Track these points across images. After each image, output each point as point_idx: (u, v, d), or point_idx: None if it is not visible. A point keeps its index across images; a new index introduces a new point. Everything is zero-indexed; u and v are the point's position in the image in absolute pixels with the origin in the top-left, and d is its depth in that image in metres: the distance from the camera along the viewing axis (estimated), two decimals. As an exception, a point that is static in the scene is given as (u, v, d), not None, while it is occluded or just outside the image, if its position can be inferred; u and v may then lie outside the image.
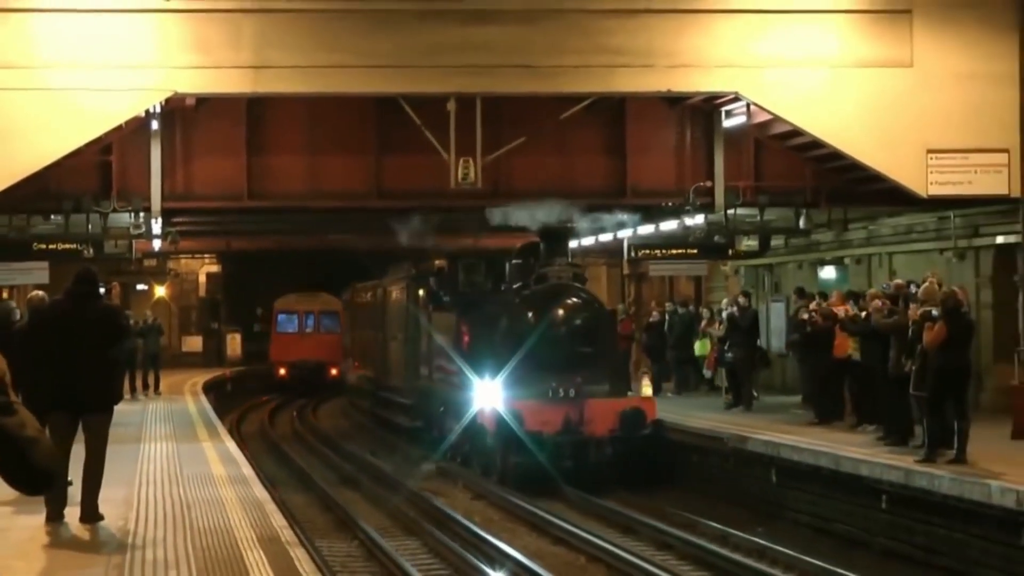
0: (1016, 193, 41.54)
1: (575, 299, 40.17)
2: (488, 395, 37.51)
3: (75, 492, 21.28)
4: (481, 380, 38.76)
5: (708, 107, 46.00)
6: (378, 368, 61.70)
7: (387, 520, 32.97)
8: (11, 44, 40.48)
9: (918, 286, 35.32)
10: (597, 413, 37.98)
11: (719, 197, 44.33)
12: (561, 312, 39.74)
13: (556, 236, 41.70)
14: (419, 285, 52.19)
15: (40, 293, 30.34)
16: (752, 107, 44.10)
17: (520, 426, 36.27)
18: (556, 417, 37.21)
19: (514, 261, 46.06)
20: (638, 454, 39.45)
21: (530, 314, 39.17)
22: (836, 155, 42.99)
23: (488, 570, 26.92)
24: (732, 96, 44.09)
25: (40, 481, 7.97)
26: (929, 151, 41.32)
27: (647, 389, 40.21)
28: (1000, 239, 44.29)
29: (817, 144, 43.18)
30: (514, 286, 46.11)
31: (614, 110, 46.27)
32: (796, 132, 43.79)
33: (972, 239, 46.39)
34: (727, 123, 46.69)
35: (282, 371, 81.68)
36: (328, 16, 41.49)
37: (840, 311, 39.29)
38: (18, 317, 30.34)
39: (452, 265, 48.36)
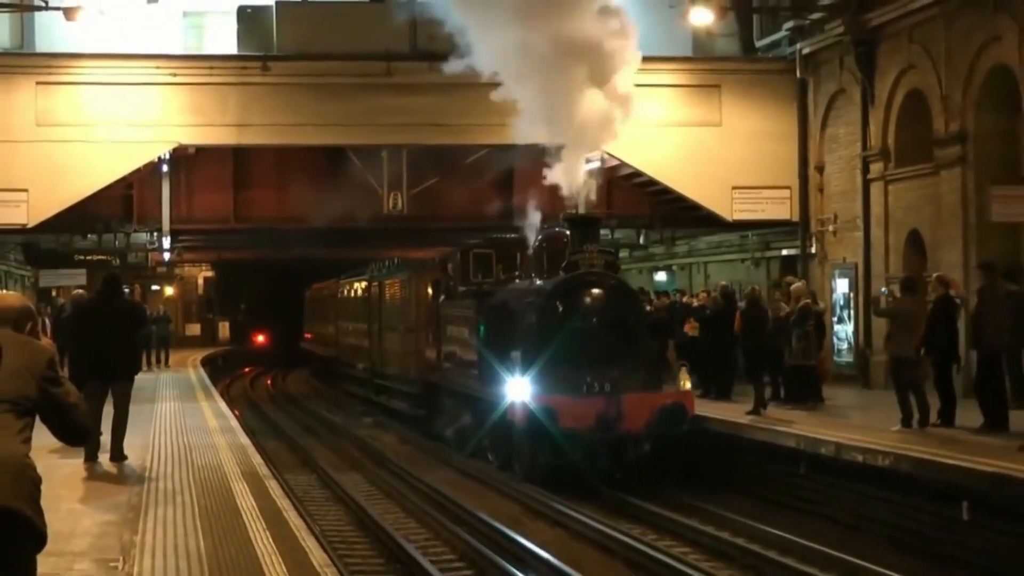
0: (796, 218, 41.95)
1: (609, 288, 28.77)
2: (518, 390, 27.09)
3: (105, 440, 21.15)
4: (506, 373, 28.12)
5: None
6: (374, 358, 47.33)
7: (337, 459, 32.78)
8: (64, 108, 40.75)
9: (731, 288, 35.56)
10: (634, 408, 27.01)
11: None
12: (594, 302, 28.40)
13: (586, 222, 30.16)
14: (425, 277, 38.57)
15: (80, 292, 30.29)
16: (606, 155, 44.07)
17: (553, 423, 26.13)
18: (590, 413, 26.52)
19: (529, 252, 33.15)
20: (677, 451, 28.41)
21: (560, 304, 28.16)
22: (666, 190, 42.88)
23: (408, 493, 26.51)
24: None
25: (79, 435, 8.18)
26: (733, 187, 41.48)
27: (685, 383, 28.94)
28: (784, 252, 44.46)
29: (653, 182, 43.14)
30: (540, 275, 32.09)
31: (505, 157, 46.15)
32: (638, 173, 43.67)
33: (764, 252, 46.42)
34: (587, 166, 46.52)
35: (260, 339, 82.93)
36: (292, 88, 41.95)
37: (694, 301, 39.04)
38: (65, 310, 30.19)
39: (464, 256, 35.02)
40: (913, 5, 34.76)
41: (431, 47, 41.49)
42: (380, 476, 29.50)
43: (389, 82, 41.66)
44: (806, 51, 42.36)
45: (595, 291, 28.35)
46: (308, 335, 69.73)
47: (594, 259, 28.66)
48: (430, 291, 36.42)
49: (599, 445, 26.72)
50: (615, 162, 43.98)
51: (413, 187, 46.31)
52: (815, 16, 40.94)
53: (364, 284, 49.36)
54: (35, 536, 7.48)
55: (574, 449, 26.22)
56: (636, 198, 45.51)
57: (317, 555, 14.21)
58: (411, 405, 39.97)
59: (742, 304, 32.63)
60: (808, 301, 31.40)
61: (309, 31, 42.45)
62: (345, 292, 54.79)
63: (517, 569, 18.56)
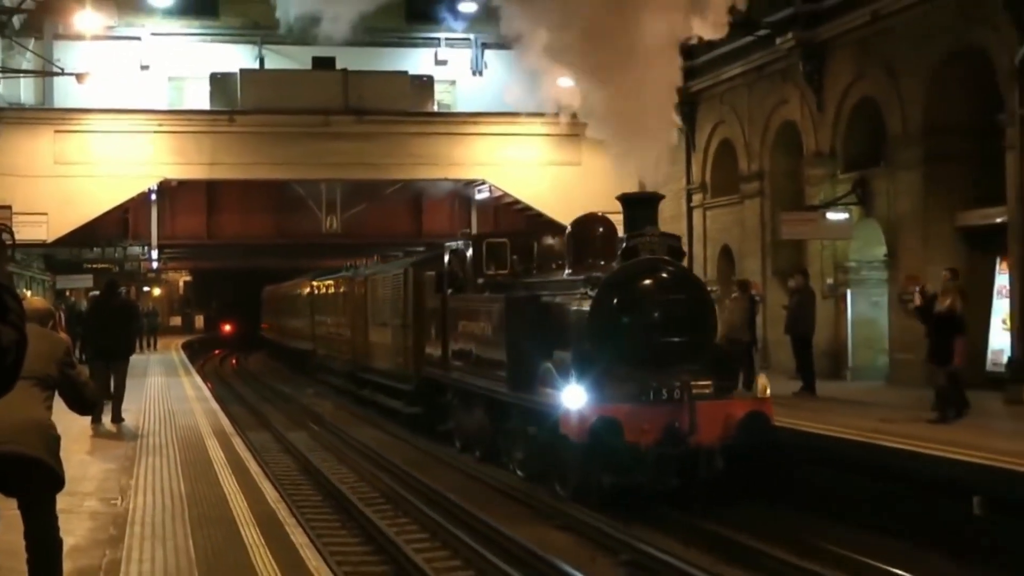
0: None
1: (674, 277, 19.54)
2: (573, 398, 18.10)
3: (107, 407, 21.16)
4: (551, 377, 18.94)
5: (469, 187, 45.97)
6: (357, 352, 37.18)
7: (288, 420, 32.63)
8: (75, 151, 40.90)
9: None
10: (708, 418, 18.20)
11: (474, 238, 44.27)
12: (658, 293, 19.19)
13: (645, 201, 20.32)
14: (424, 270, 28.57)
15: (95, 293, 30.28)
16: (493, 187, 44.26)
17: (619, 437, 17.65)
18: (657, 424, 18.06)
19: (546, 242, 24.27)
20: (757, 467, 18.83)
21: (617, 297, 19.05)
22: (540, 214, 42.94)
23: (341, 447, 26.37)
24: (482, 181, 44.29)
25: (89, 407, 8.88)
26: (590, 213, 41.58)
27: (765, 388, 19.54)
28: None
29: (529, 208, 43.29)
30: (576, 264, 21.86)
31: (416, 188, 46.28)
32: (518, 202, 43.86)
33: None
34: (479, 196, 46.63)
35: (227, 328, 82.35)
36: (252, 135, 42.27)
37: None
38: (77, 308, 30.22)
39: (477, 246, 24.97)
40: (723, 76, 35.33)
41: (358, 104, 42.11)
42: (320, 433, 29.39)
43: (327, 131, 41.95)
44: (645, 109, 42.75)
45: (659, 281, 18.92)
46: (264, 325, 69.27)
47: (656, 243, 19.15)
48: (432, 284, 26.55)
49: (668, 461, 17.78)
50: (500, 193, 44.26)
51: (345, 211, 46.69)
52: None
53: (345, 281, 40.40)
54: (56, 480, 7.83)
55: (640, 467, 17.55)
56: (517, 221, 45.67)
57: (271, 493, 14.32)
58: (405, 403, 29.70)
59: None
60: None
61: (265, 92, 42.64)
62: (324, 289, 45.52)
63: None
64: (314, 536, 14.18)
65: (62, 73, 39.47)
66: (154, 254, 46.70)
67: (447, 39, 47.32)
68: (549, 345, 19.33)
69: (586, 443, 17.25)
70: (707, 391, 18.16)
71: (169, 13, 45.66)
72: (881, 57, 28.14)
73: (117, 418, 21.18)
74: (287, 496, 17.41)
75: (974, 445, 15.90)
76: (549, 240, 23.88)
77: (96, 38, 40.61)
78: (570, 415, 17.48)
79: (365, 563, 14.71)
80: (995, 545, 14.35)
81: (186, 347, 55.12)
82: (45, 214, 39.95)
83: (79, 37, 40.08)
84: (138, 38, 44.94)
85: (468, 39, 47.34)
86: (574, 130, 43.95)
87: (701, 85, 36.68)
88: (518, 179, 43.32)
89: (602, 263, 20.02)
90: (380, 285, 33.64)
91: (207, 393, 29.53)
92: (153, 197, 43.71)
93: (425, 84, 44.84)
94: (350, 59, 44.61)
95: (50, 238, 40.75)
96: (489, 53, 47.65)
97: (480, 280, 23.78)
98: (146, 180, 41.81)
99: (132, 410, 22.54)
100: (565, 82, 42.42)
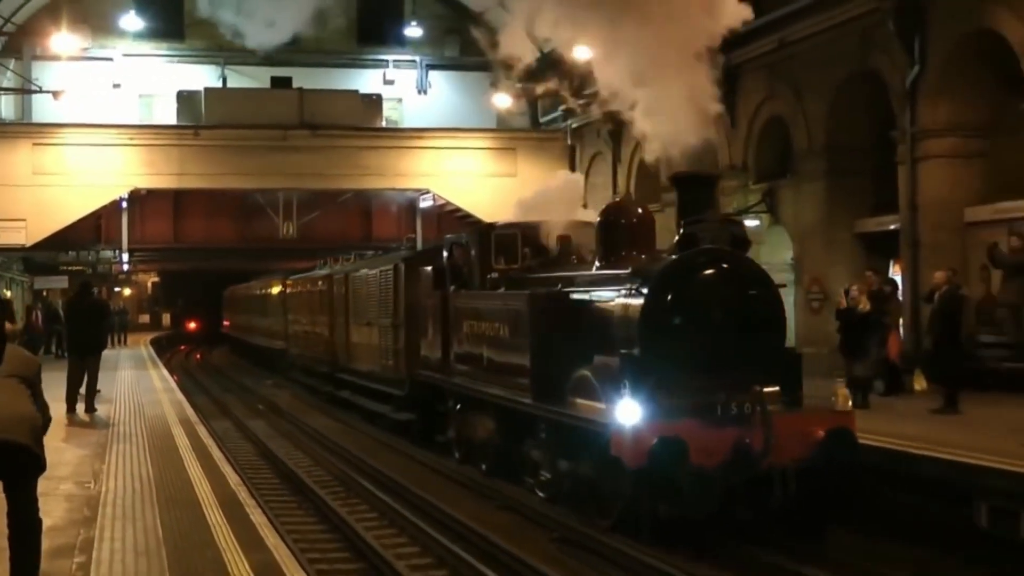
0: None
1: (741, 271, 14.75)
2: (627, 413, 13.36)
3: (81, 397, 20.99)
4: (596, 388, 14.77)
5: (414, 195, 45.84)
6: (337, 352, 32.21)
7: (247, 409, 32.49)
8: (52, 162, 40.40)
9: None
10: (784, 435, 13.50)
11: (419, 244, 44.16)
12: (723, 290, 14.46)
13: (702, 182, 15.75)
14: (417, 265, 23.83)
15: (71, 293, 30.05)
16: (436, 196, 44.21)
17: (684, 462, 13.07)
18: (725, 444, 13.45)
19: (561, 233, 19.17)
20: (838, 491, 13.88)
21: (672, 294, 14.36)
22: (479, 221, 42.86)
23: (297, 434, 26.17)
24: (426, 190, 44.21)
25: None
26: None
27: (846, 399, 14.48)
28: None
29: (470, 215, 43.12)
30: (610, 256, 16.88)
31: (366, 197, 46.16)
32: (459, 209, 43.79)
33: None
34: (423, 204, 46.48)
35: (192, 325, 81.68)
36: (215, 148, 42.01)
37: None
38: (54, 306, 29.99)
39: (485, 238, 20.04)
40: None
41: (313, 120, 42.14)
42: (278, 422, 29.26)
43: (284, 144, 41.82)
44: (574, 126, 42.82)
45: (723, 275, 14.55)
46: (227, 323, 68.82)
47: (718, 231, 14.70)
48: (429, 281, 21.60)
49: (737, 487, 13.44)
50: (443, 201, 44.19)
51: (301, 218, 46.44)
52: (581, 103, 41.37)
53: (323, 279, 35.19)
54: (38, 465, 8.08)
55: (704, 495, 13.21)
56: (459, 227, 45.67)
57: (232, 477, 14.22)
58: (394, 407, 25.06)
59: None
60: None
61: (228, 108, 42.61)
62: (300, 287, 40.62)
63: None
64: (272, 516, 14.08)
65: (40, 91, 39.23)
66: (124, 257, 46.27)
67: (395, 60, 48.14)
68: (585, 349, 15.23)
69: (643, 467, 13.01)
70: (778, 404, 14.05)
71: (139, 36, 45.82)
72: (788, 79, 28.35)
73: (90, 408, 21.01)
74: (247, 479, 17.29)
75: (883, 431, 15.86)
76: (563, 231, 18.97)
77: (72, 59, 40.24)
78: (624, 434, 13.17)
79: (320, 540, 14.62)
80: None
81: (154, 343, 54.70)
82: (24, 220, 39.69)
83: (56, 58, 39.71)
84: (111, 59, 45.14)
85: (414, 61, 48.14)
86: (511, 144, 44.45)
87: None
88: (459, 189, 43.42)
89: (637, 255, 15.76)
90: (364, 283, 28.79)
91: (173, 385, 29.33)
92: (124, 204, 43.25)
93: (374, 102, 45.29)
94: (305, 79, 45.39)
95: (28, 243, 40.39)
96: (433, 73, 48.22)
97: (492, 275, 19.19)
98: (118, 189, 41.47)
99: (104, 400, 22.38)
100: (503, 99, 42.73)
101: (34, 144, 40.47)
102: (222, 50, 46.07)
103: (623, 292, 14.91)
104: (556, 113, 44.33)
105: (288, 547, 10.65)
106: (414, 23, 47.80)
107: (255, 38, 43.76)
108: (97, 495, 12.70)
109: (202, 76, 46.07)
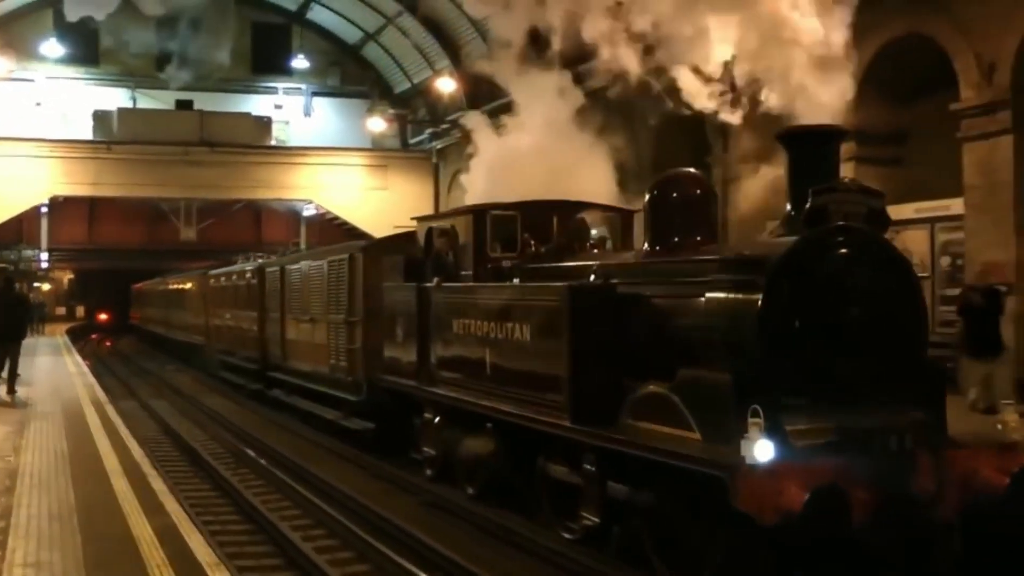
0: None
1: (883, 260, 8.47)
2: (757, 450, 7.29)
3: (2, 380, 20.55)
4: (673, 408, 8.76)
5: (299, 205, 45.60)
6: (269, 349, 25.59)
7: (152, 391, 31.92)
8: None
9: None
10: (954, 477, 7.48)
11: (302, 249, 43.93)
12: (871, 283, 8.25)
13: (823, 139, 8.76)
14: (386, 254, 16.92)
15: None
16: (318, 206, 44.06)
17: (846, 519, 7.20)
18: (879, 491, 7.41)
19: (570, 215, 14.04)
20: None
21: (800, 288, 8.34)
22: (355, 229, 42.75)
23: (196, 412, 25.67)
24: (309, 201, 44.07)
25: None
26: (395, 226, 40.94)
27: (1016, 426, 7.85)
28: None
29: (347, 224, 43.12)
30: (661, 240, 11.20)
31: (257, 206, 45.87)
32: (338, 218, 43.70)
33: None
34: (306, 213, 46.21)
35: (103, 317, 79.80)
36: (126, 162, 41.81)
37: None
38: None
39: (479, 220, 13.93)
40: (500, 122, 35.55)
41: (211, 138, 41.85)
42: (179, 402, 28.81)
43: (186, 159, 41.63)
44: (438, 147, 43.07)
45: (868, 264, 8.99)
46: (136, 316, 67.44)
47: (855, 204, 9.05)
48: (399, 272, 15.88)
49: (895, 545, 8.22)
50: (324, 211, 44.08)
51: (200, 224, 46.03)
52: (444, 127, 41.59)
53: (254, 272, 27.66)
54: None
55: (854, 556, 8.09)
56: (339, 235, 45.53)
57: (137, 451, 14.05)
58: (346, 414, 18.98)
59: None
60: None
61: (137, 127, 42.52)
62: (224, 280, 32.46)
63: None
64: (172, 484, 13.94)
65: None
66: (44, 256, 45.57)
67: (284, 88, 48.03)
68: (646, 357, 10.15)
69: (787, 524, 7.74)
70: (937, 435, 8.91)
71: (59, 61, 45.05)
72: (621, 110, 28.65)
73: (11, 390, 20.53)
74: (150, 453, 17.06)
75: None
76: (573, 213, 14.19)
77: (-1, 80, 39.60)
78: (756, 478, 7.83)
79: (214, 505, 14.50)
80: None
81: (69, 332, 53.44)
82: (-47, 225, 38.98)
83: (-17, 79, 39.02)
84: (33, 80, 44.28)
85: (300, 88, 47.99)
86: (384, 161, 44.51)
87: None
88: (338, 200, 43.54)
89: (701, 239, 11.05)
90: (305, 276, 22.66)
91: (86, 369, 28.75)
92: (44, 210, 42.56)
93: (265, 123, 45.51)
94: (205, 102, 45.19)
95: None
96: (317, 99, 48.26)
97: (507, 263, 13.92)
98: (39, 196, 41.02)
99: (24, 382, 21.89)
100: (377, 123, 42.70)
101: (-37, 156, 39.64)
102: (132, 75, 45.65)
103: (723, 284, 9.46)
104: (424, 136, 44.54)
105: (185, 511, 10.58)
106: (301, 56, 47.72)
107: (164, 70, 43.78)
108: (16, 467, 12.47)
109: (115, 97, 45.55)
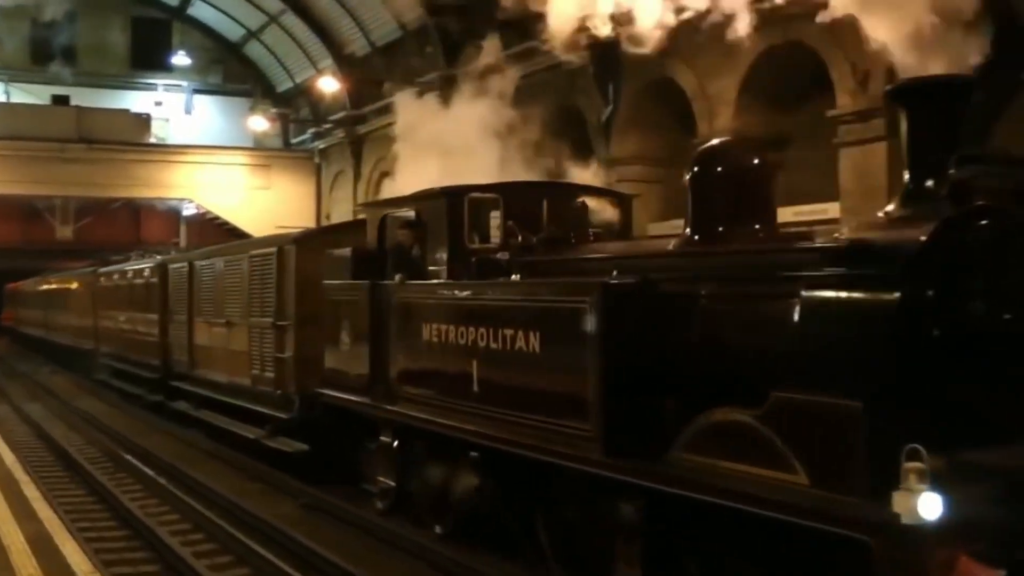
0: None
1: None
2: (924, 507, 4.81)
3: None
4: (750, 441, 6.23)
5: (178, 204, 44.96)
6: (171, 356, 22.27)
7: (26, 393, 31.18)
8: None
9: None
10: None
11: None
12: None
13: (957, 91, 6.04)
14: (328, 247, 13.68)
15: None
16: (198, 206, 43.48)
17: None
18: None
19: (564, 199, 11.25)
20: None
21: (954, 288, 5.82)
22: (236, 228, 42.02)
23: (70, 416, 25.15)
24: (190, 200, 43.45)
25: None
26: (277, 226, 39.80)
27: None
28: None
29: (229, 224, 42.52)
30: (704, 226, 8.39)
31: (135, 204, 45.18)
32: (219, 218, 43.11)
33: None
34: (186, 212, 45.54)
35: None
36: (2, 158, 39.95)
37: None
38: None
39: (454, 203, 11.15)
40: (382, 122, 35.46)
41: (89, 135, 41.07)
42: (53, 405, 28.17)
43: (62, 156, 40.54)
44: (321, 147, 42.79)
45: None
46: (10, 316, 65.76)
47: (1003, 177, 6.55)
48: (345, 268, 13.07)
49: None
50: (205, 210, 43.48)
51: (77, 222, 45.10)
52: (326, 127, 41.36)
53: (152, 269, 24.28)
54: None
55: None
56: (220, 235, 44.91)
57: (9, 456, 13.73)
58: (272, 431, 16.17)
59: None
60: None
61: (11, 122, 41.44)
62: (116, 279, 28.64)
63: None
64: (46, 490, 13.62)
65: None
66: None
67: (164, 84, 47.43)
68: (711, 377, 7.75)
69: None
70: None
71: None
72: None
73: None
74: (23, 459, 16.65)
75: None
76: (567, 196, 11.76)
77: None
78: (922, 547, 5.62)
79: (91, 512, 14.20)
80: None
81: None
82: None
83: None
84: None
85: (181, 85, 47.32)
86: (267, 161, 44.05)
87: (366, 129, 37.42)
88: (219, 199, 42.89)
89: (760, 226, 8.55)
90: (219, 273, 19.43)
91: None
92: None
93: (144, 120, 44.86)
94: (83, 97, 44.40)
95: None
96: (198, 97, 47.77)
97: (473, 259, 11.11)
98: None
99: None
100: (259, 122, 42.30)
101: None
102: (8, 69, 44.62)
103: (832, 280, 6.97)
104: (306, 135, 44.24)
105: (60, 518, 10.35)
106: (182, 52, 47.11)
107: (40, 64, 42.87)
108: None
109: (-13, 92, 44.43)
